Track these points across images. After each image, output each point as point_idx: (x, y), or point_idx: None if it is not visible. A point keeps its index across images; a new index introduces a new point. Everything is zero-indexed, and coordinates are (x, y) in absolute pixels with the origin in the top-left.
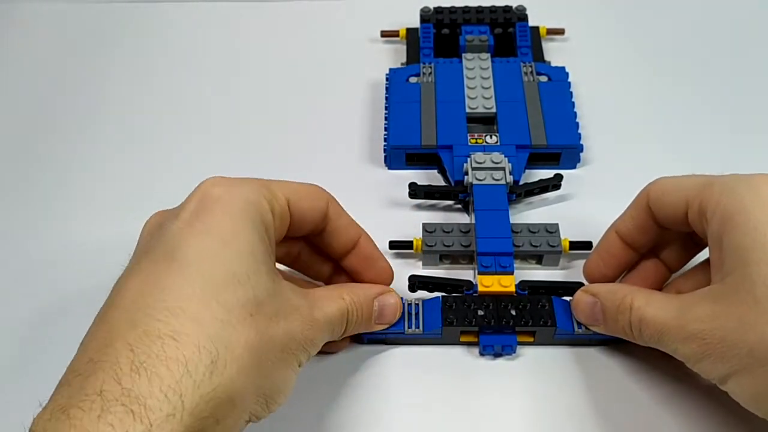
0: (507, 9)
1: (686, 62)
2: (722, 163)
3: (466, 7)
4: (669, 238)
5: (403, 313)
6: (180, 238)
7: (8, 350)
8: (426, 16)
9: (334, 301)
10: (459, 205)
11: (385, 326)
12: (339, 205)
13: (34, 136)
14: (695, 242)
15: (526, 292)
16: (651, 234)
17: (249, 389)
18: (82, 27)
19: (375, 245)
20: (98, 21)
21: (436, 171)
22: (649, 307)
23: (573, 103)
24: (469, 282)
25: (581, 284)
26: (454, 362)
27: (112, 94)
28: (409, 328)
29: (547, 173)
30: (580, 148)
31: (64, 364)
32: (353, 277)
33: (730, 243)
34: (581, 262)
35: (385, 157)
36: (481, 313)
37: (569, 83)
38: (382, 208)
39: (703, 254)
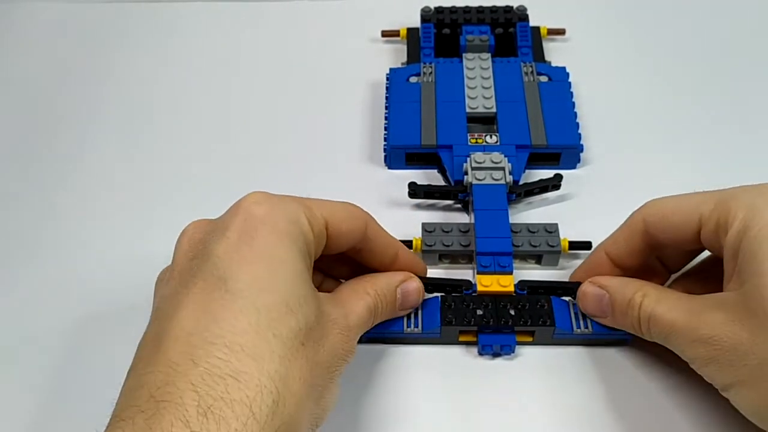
0: (508, 9)
1: (687, 62)
2: (723, 163)
3: (466, 7)
4: (660, 255)
5: None
6: (230, 264)
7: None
8: (427, 15)
9: (361, 298)
10: (459, 205)
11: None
12: (377, 223)
13: (35, 137)
14: (687, 255)
15: (525, 291)
16: (642, 257)
17: (304, 420)
18: (82, 27)
19: (413, 255)
20: (98, 21)
21: (436, 171)
22: (659, 305)
23: (573, 103)
24: (468, 282)
25: (580, 284)
26: (453, 362)
27: (112, 95)
28: (407, 327)
29: (547, 173)
30: (580, 148)
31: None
32: None
33: (745, 253)
34: (581, 262)
35: (385, 156)
36: (480, 312)
37: (569, 83)
38: (382, 208)
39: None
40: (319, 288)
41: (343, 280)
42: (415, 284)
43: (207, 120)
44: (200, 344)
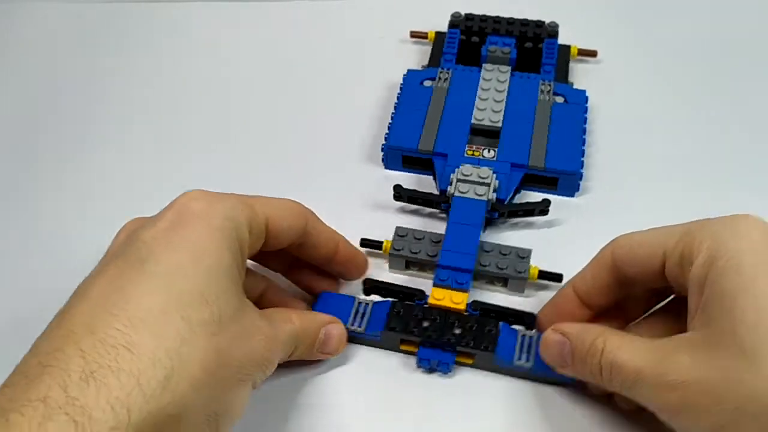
0: (539, 24)
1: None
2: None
3: (497, 17)
4: (629, 293)
5: (351, 309)
6: (153, 248)
7: None
8: (456, 21)
9: (286, 322)
10: (444, 215)
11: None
12: (317, 219)
13: (33, 137)
14: (656, 295)
15: (477, 312)
16: (610, 295)
17: (199, 408)
18: (82, 27)
19: (352, 246)
20: (98, 21)
21: (431, 177)
22: (621, 351)
23: (584, 129)
24: (422, 292)
25: (533, 315)
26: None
27: (112, 95)
28: (352, 324)
29: (545, 197)
30: (579, 176)
31: None
32: (337, 275)
33: (713, 289)
34: (548, 293)
35: (383, 156)
36: (425, 324)
37: (586, 107)
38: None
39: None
40: (263, 293)
41: (280, 274)
42: (340, 330)
43: (207, 120)
44: (101, 315)
